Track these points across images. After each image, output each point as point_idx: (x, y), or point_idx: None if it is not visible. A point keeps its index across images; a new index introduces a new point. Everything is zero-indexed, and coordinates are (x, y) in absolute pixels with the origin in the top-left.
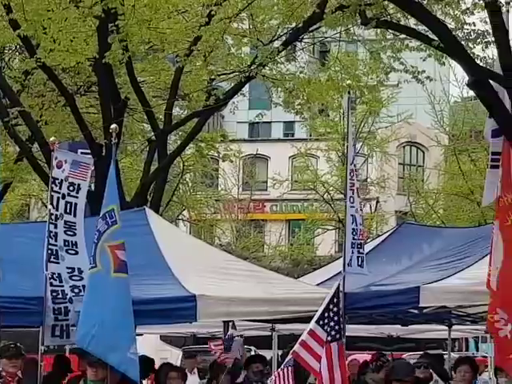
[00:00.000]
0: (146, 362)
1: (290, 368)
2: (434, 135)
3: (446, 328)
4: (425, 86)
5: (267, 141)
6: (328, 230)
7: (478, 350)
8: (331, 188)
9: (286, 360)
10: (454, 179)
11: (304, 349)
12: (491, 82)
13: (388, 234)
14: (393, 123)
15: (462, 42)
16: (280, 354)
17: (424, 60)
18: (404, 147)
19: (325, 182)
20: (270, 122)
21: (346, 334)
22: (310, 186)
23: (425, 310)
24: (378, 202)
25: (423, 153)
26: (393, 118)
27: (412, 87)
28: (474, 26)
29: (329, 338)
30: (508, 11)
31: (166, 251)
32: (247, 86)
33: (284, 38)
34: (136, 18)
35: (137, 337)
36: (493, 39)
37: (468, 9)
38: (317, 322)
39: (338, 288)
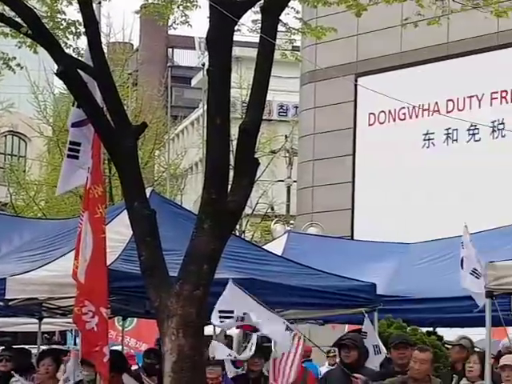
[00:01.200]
0: None
1: None
2: (36, 126)
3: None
4: (28, 76)
5: None
6: None
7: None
8: None
9: None
10: (57, 171)
11: None
12: (81, 72)
13: None
14: None
15: (56, 32)
16: None
17: (19, 47)
18: (6, 136)
19: None
20: None
21: None
22: None
23: (11, 303)
24: None
25: (25, 143)
26: None
27: (16, 76)
28: (65, 15)
29: None
30: (100, 3)
31: None
32: None
33: None
34: None
35: None
36: (84, 30)
37: None
38: None
39: None
